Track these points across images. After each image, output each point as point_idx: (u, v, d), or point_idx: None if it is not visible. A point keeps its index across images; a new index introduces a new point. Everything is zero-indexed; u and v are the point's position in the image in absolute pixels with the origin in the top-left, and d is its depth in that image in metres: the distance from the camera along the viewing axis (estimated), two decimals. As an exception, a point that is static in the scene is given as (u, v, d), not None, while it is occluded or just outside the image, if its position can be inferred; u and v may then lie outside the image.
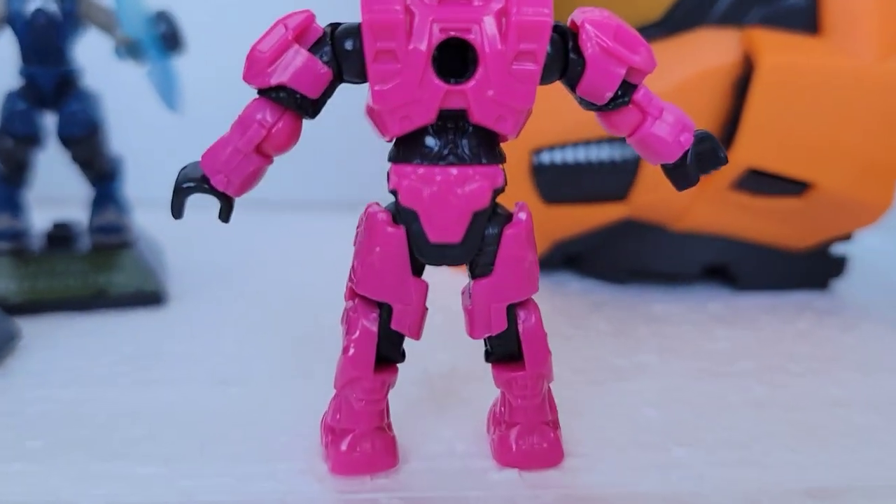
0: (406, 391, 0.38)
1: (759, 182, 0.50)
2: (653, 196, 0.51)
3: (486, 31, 0.28)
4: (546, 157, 0.52)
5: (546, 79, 0.29)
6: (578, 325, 0.49)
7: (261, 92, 0.29)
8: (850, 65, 0.48)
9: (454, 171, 0.29)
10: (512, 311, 0.31)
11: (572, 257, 0.57)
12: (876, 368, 0.44)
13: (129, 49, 0.51)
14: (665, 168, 0.31)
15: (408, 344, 0.32)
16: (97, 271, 0.52)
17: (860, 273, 0.61)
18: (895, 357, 0.45)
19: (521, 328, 0.31)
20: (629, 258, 0.55)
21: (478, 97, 0.28)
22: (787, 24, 0.50)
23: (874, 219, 0.53)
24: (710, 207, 0.52)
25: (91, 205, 0.56)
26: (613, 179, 0.52)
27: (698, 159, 0.31)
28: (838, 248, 0.57)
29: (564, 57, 0.29)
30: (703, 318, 0.51)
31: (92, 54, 0.56)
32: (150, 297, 0.52)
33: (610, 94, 0.30)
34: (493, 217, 0.30)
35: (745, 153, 0.49)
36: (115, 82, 0.59)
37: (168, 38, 0.52)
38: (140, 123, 0.73)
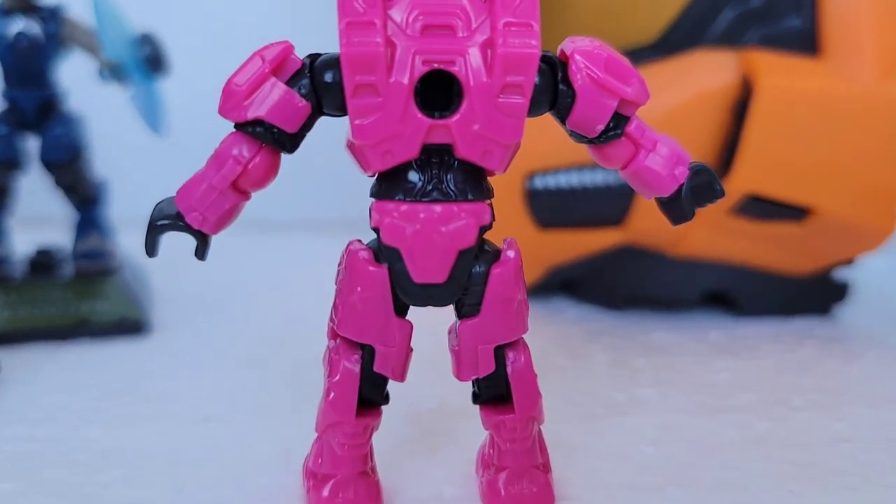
0: (393, 430, 0.36)
1: (759, 207, 0.49)
2: (650, 221, 0.50)
3: (470, 64, 0.26)
4: (539, 182, 0.50)
5: (535, 111, 0.28)
6: (575, 355, 0.48)
7: (237, 126, 0.28)
8: (850, 88, 0.47)
9: (438, 207, 0.27)
10: (500, 352, 0.30)
11: (569, 283, 0.56)
12: (883, 401, 0.42)
13: (113, 72, 0.50)
14: (659, 202, 0.30)
15: (405, 379, 0.31)
16: (80, 299, 0.51)
17: (864, 298, 0.59)
18: (901, 389, 0.44)
19: (509, 370, 0.30)
20: (626, 284, 0.54)
21: (463, 132, 0.27)
22: (786, 45, 0.49)
23: (877, 244, 0.51)
24: (709, 233, 0.50)
25: (74, 230, 0.54)
26: (609, 204, 0.50)
27: (694, 193, 0.29)
28: (841, 274, 0.55)
29: (554, 88, 0.28)
30: (703, 347, 0.50)
31: (76, 76, 0.55)
32: (133, 325, 0.50)
33: (601, 127, 0.28)
34: (480, 255, 0.29)
35: (744, 178, 0.48)
36: (101, 103, 0.59)
37: (152, 61, 0.51)
38: (128, 143, 0.71)
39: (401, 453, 0.36)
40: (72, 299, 0.51)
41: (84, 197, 0.55)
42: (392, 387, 0.31)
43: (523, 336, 0.30)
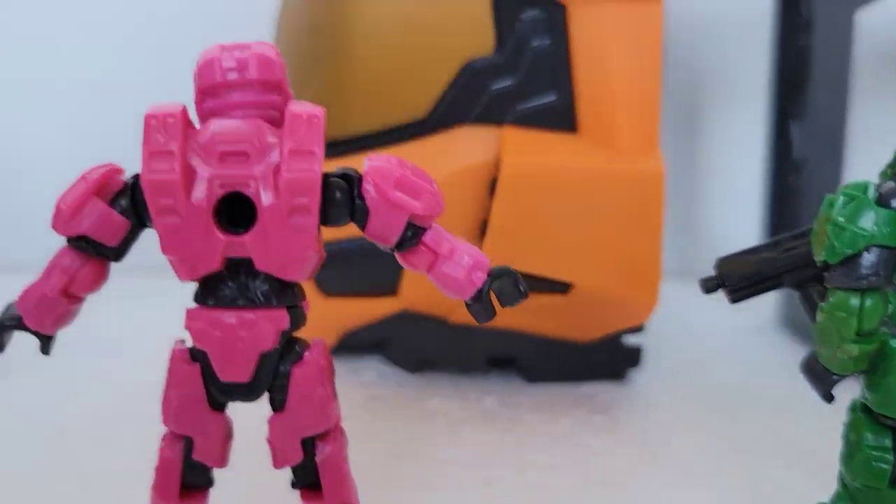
0: None
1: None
2: (419, 290, 0.51)
3: (262, 187, 0.29)
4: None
5: (335, 221, 0.31)
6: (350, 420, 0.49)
7: (68, 240, 0.31)
8: (602, 164, 0.48)
9: (241, 314, 0.30)
10: (310, 442, 0.32)
11: (378, 343, 0.58)
12: (596, 483, 0.42)
13: None
14: (466, 304, 0.33)
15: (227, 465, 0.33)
16: None
17: (663, 362, 0.60)
18: (625, 470, 0.44)
19: (318, 459, 0.32)
20: (413, 350, 0.55)
21: (257, 247, 0.30)
22: (544, 122, 0.49)
23: (644, 316, 0.52)
24: (477, 304, 0.51)
25: None
26: (382, 274, 0.52)
27: (498, 295, 0.32)
28: (632, 339, 0.56)
29: (351, 202, 0.31)
30: (466, 415, 0.51)
31: None
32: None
33: (395, 239, 0.31)
34: (286, 355, 0.31)
35: (494, 253, 0.48)
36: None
37: None
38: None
39: None
40: None
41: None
42: (228, 466, 0.33)
43: (341, 425, 0.33)
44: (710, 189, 0.85)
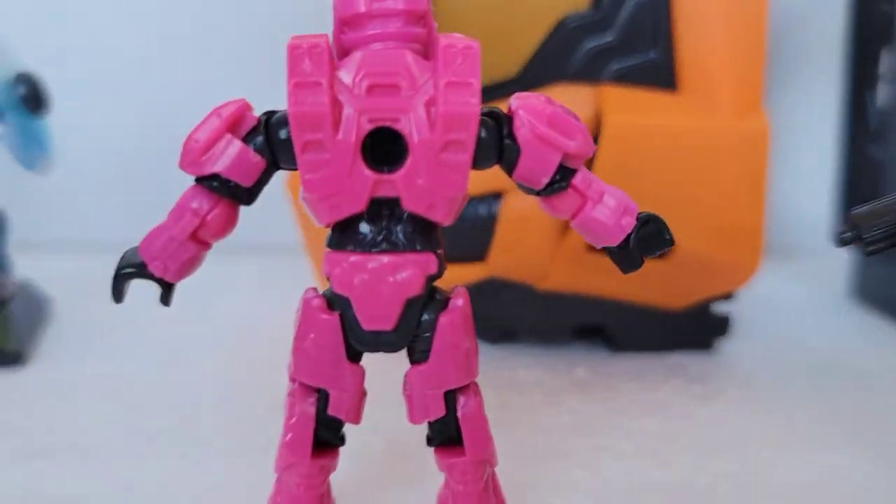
0: (352, 470, 0.37)
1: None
2: (510, 256, 0.50)
3: (414, 121, 0.28)
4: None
5: (482, 164, 0.30)
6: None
7: (197, 180, 0.29)
8: (704, 123, 0.46)
9: (386, 258, 0.29)
10: (451, 396, 0.31)
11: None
12: (712, 448, 0.41)
13: None
14: (609, 251, 0.31)
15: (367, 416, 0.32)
16: (-38, 331, 0.53)
17: (752, 331, 0.58)
18: (740, 434, 0.43)
19: (459, 414, 0.31)
20: (498, 319, 0.53)
21: (408, 186, 0.28)
22: (643, 80, 0.48)
23: (744, 280, 0.50)
24: (570, 269, 0.50)
25: (-30, 261, 0.56)
26: (470, 239, 0.50)
27: (642, 242, 0.31)
28: (721, 307, 0.54)
29: (499, 143, 0.30)
30: (561, 385, 0.49)
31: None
32: (8, 358, 0.52)
33: (546, 180, 0.30)
34: (429, 303, 0.30)
35: (595, 215, 0.47)
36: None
37: (29, 100, 0.52)
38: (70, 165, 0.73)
39: (360, 494, 0.36)
40: (-45, 331, 0.52)
41: (-21, 230, 0.56)
42: (353, 427, 0.32)
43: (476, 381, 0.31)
44: (779, 160, 0.83)
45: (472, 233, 0.50)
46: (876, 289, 0.65)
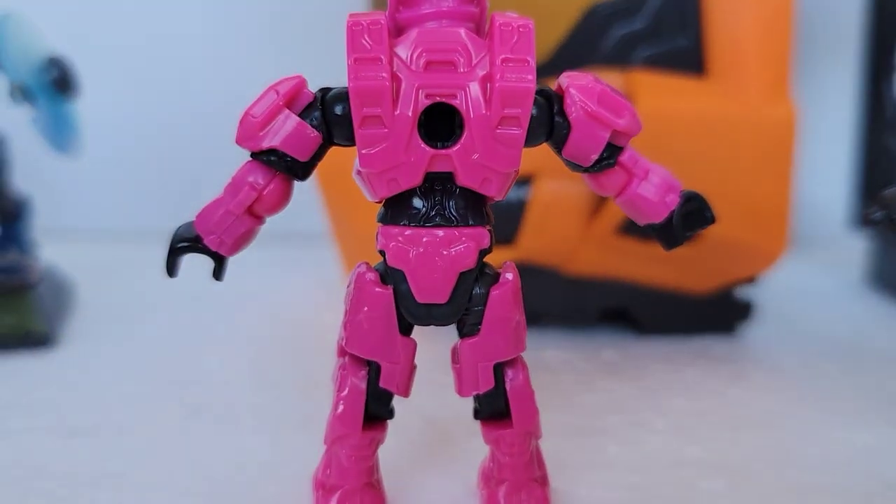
0: (398, 444, 0.38)
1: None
2: (539, 240, 0.50)
3: (470, 97, 0.28)
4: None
5: (532, 141, 0.30)
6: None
7: (253, 155, 0.30)
8: (732, 109, 0.47)
9: (440, 232, 0.29)
10: (499, 369, 0.31)
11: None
12: (744, 424, 0.42)
13: (23, 94, 0.52)
14: (652, 227, 0.32)
15: (409, 395, 0.32)
16: (-8, 313, 0.53)
17: (774, 315, 0.59)
18: (771, 412, 0.44)
19: (508, 387, 0.32)
20: (525, 302, 0.54)
21: (463, 161, 0.29)
22: (672, 65, 0.49)
23: (769, 263, 0.51)
24: (598, 253, 0.50)
25: (-4, 245, 0.56)
26: (500, 224, 0.50)
27: (684, 219, 0.32)
28: (744, 292, 0.55)
29: (550, 120, 0.30)
30: (591, 366, 0.50)
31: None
32: (37, 339, 0.52)
33: (595, 157, 0.30)
34: (480, 277, 0.31)
35: (625, 199, 0.48)
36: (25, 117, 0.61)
37: (59, 84, 0.52)
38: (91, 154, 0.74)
39: (406, 466, 0.37)
40: (-16, 313, 0.53)
41: (5, 213, 0.57)
42: (398, 402, 0.32)
43: (522, 355, 0.32)
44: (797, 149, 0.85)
45: (503, 217, 0.50)
46: (892, 276, 0.66)
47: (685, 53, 0.49)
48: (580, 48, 0.50)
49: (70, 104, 0.54)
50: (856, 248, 0.72)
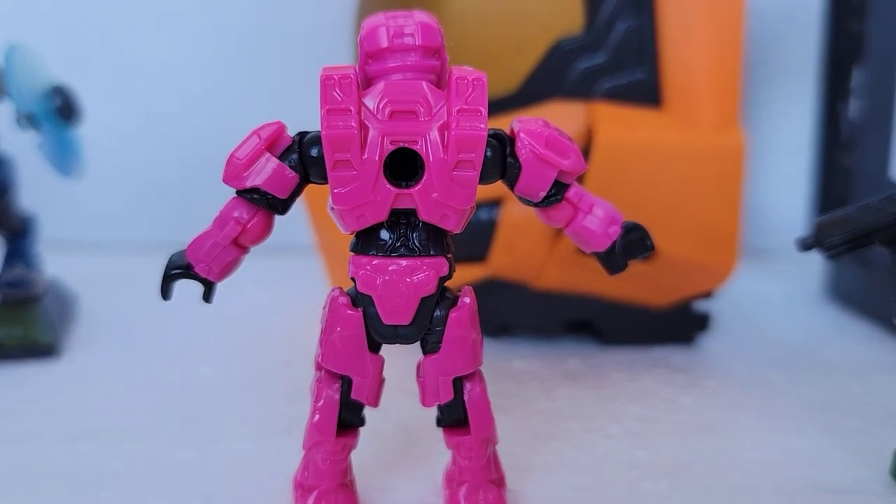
0: (370, 448, 0.41)
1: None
2: (509, 257, 0.54)
3: (430, 143, 0.32)
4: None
5: (487, 179, 0.34)
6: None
7: (238, 192, 0.34)
8: (685, 138, 0.51)
9: (404, 262, 0.33)
10: (458, 382, 0.35)
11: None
12: (691, 430, 0.46)
13: (29, 121, 0.56)
14: (597, 255, 0.36)
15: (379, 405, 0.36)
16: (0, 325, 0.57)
17: (730, 326, 0.63)
18: (717, 418, 0.48)
19: (466, 398, 0.35)
20: (496, 314, 0.58)
21: (424, 199, 0.32)
22: (631, 97, 0.53)
23: (722, 280, 0.55)
24: (563, 269, 0.54)
25: (4, 260, 0.60)
26: (473, 242, 0.55)
27: (627, 247, 0.35)
28: (701, 304, 0.59)
29: (503, 161, 0.34)
30: (555, 374, 0.54)
31: (3, 120, 0.61)
32: (43, 349, 0.56)
33: (543, 193, 0.34)
34: (440, 301, 0.34)
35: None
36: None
37: (63, 111, 0.56)
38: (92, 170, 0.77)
39: (377, 468, 0.41)
40: (-7, 325, 0.56)
41: (12, 230, 0.60)
42: (370, 410, 0.36)
43: (481, 368, 0.36)
44: (757, 167, 0.89)
45: (474, 236, 0.54)
46: (848, 288, 0.70)
47: (643, 86, 0.53)
48: (546, 81, 0.53)
49: (73, 130, 0.58)
50: (815, 261, 0.76)
